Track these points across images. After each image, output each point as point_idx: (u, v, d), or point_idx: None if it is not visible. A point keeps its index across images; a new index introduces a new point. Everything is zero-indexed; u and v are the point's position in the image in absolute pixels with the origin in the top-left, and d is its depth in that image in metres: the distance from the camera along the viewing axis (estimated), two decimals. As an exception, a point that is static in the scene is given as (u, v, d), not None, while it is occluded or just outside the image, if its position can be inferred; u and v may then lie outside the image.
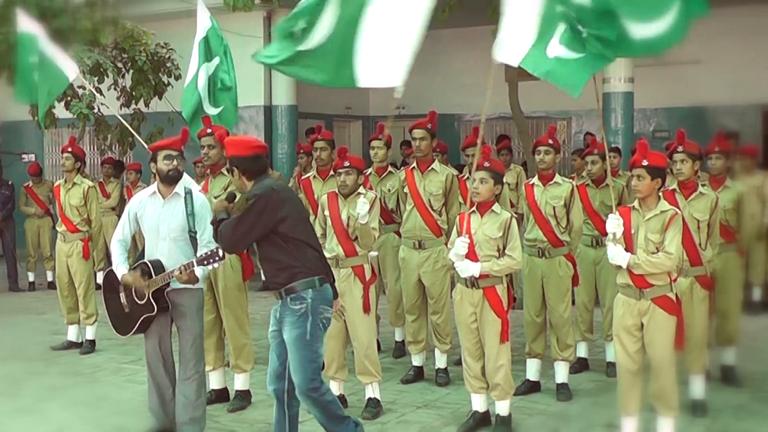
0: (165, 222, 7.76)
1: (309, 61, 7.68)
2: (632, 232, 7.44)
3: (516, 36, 7.26)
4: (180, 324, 7.84)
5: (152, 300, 7.60)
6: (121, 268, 7.84)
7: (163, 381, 7.99)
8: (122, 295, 7.87)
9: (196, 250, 7.65)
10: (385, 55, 7.48)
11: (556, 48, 7.06)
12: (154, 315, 7.67)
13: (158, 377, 7.98)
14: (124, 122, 10.35)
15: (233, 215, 6.92)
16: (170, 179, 7.77)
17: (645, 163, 7.40)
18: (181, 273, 7.44)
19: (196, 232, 7.71)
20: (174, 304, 7.76)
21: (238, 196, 7.08)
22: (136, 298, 7.72)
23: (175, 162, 7.74)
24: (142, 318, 7.71)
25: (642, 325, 7.44)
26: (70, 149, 11.96)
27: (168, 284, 7.65)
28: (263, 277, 7.29)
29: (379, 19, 7.40)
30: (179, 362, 7.94)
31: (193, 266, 7.47)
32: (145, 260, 7.72)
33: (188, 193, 7.82)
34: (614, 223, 7.37)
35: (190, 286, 7.70)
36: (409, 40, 7.32)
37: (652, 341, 7.43)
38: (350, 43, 7.48)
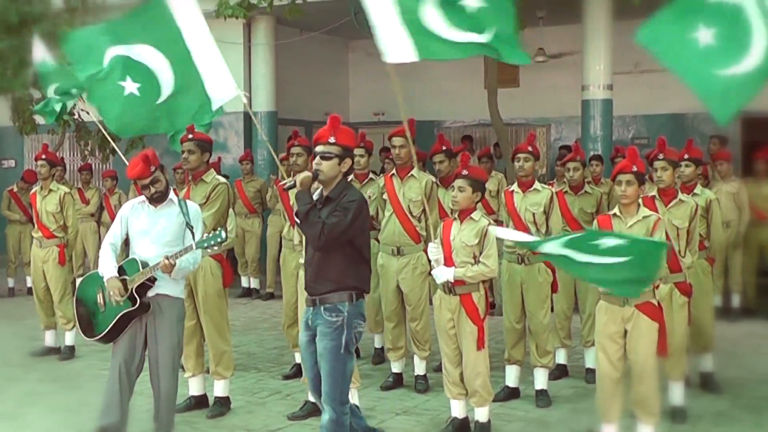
0: (158, 226, 7.69)
1: (163, 111, 8.62)
2: None
3: (391, 33, 7.41)
4: (158, 333, 7.67)
5: (135, 295, 7.48)
6: (110, 268, 7.61)
7: (129, 394, 7.80)
8: (100, 295, 7.72)
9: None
10: (217, 72, 8.50)
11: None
12: (134, 311, 7.52)
13: (125, 392, 7.71)
14: (104, 131, 10.29)
15: (302, 199, 6.74)
16: (156, 200, 7.72)
17: (635, 169, 7.44)
18: (168, 259, 7.36)
19: (192, 226, 7.65)
20: (153, 311, 7.63)
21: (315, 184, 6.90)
22: None
23: (151, 189, 7.64)
24: (119, 315, 7.54)
25: (625, 331, 7.44)
26: (44, 156, 11.91)
27: (153, 282, 7.54)
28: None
29: (196, 47, 8.52)
30: (153, 395, 7.79)
31: (186, 252, 7.44)
32: (134, 257, 7.63)
33: (183, 201, 7.82)
34: None
35: (171, 293, 7.65)
36: (215, 52, 8.43)
37: (634, 347, 7.42)
38: (194, 77, 8.59)
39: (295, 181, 6.80)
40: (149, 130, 9.43)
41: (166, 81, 8.94)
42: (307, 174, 6.81)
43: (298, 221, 6.75)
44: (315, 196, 6.87)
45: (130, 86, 8.91)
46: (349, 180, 10.44)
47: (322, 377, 6.87)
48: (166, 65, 8.94)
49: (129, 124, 9.45)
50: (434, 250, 7.94)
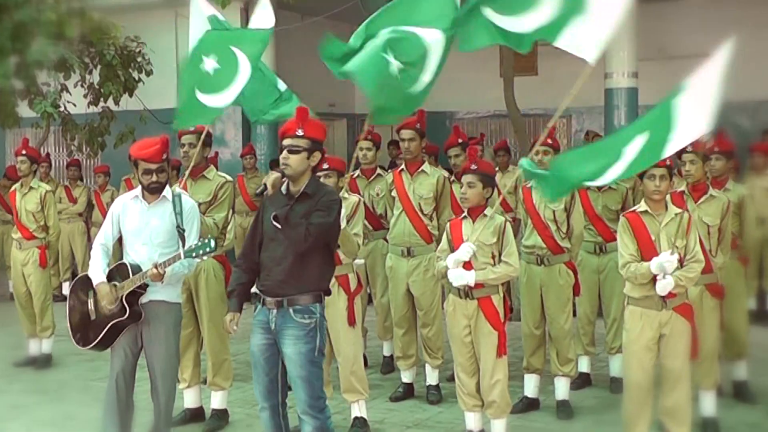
0: (149, 225, 7.65)
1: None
2: (653, 238, 7.40)
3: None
4: (155, 342, 7.64)
5: (125, 303, 7.45)
6: (99, 273, 7.60)
7: (128, 404, 7.82)
8: (91, 301, 7.71)
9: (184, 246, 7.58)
10: None
11: None
12: (125, 320, 7.49)
13: (122, 401, 7.76)
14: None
15: (278, 201, 6.84)
16: (152, 191, 7.68)
17: (668, 162, 7.39)
18: (157, 268, 7.33)
19: (184, 229, 7.60)
20: (148, 318, 7.59)
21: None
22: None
23: (154, 177, 7.59)
24: (110, 325, 7.52)
25: (660, 337, 7.43)
26: (24, 152, 11.86)
27: (144, 289, 7.52)
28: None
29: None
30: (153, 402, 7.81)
31: (174, 260, 7.41)
32: (124, 261, 7.61)
33: (177, 195, 7.74)
34: (668, 264, 7.30)
35: (167, 299, 7.64)
36: None
37: (672, 352, 7.43)
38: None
39: (265, 185, 6.84)
40: (398, 113, 8.91)
41: (433, 61, 8.47)
42: (276, 175, 6.87)
43: (278, 224, 6.75)
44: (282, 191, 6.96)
45: (394, 64, 8.25)
46: (355, 176, 10.50)
47: (296, 385, 6.95)
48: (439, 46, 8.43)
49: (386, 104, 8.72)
50: (467, 251, 7.71)
